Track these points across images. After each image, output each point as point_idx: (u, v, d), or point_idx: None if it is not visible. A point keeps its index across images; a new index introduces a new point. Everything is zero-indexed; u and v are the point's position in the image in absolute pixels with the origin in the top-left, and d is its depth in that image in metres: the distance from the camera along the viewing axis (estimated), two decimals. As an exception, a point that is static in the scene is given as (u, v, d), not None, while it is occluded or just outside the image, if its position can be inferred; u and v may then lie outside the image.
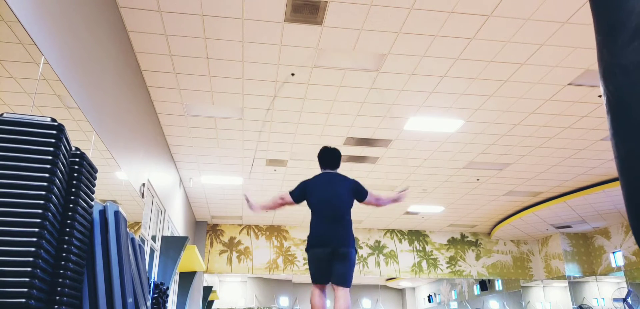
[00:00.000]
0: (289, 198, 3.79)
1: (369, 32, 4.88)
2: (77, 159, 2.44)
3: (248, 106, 6.40)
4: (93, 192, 2.62)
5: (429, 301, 18.24)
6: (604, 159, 8.32)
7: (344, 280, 3.47)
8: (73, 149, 2.47)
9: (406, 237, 13.58)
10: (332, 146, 3.79)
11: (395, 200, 3.94)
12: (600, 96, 6.21)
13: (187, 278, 8.69)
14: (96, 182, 2.70)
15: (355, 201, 3.80)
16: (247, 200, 3.98)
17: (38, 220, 2.05)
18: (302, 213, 11.86)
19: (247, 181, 9.47)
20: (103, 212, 2.71)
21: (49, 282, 2.18)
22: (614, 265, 11.98)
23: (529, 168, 8.77)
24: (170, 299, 8.48)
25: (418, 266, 13.34)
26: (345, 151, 8.00)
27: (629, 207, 0.76)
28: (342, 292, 3.44)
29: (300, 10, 4.54)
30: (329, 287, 3.66)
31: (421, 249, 13.52)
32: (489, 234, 13.93)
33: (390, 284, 18.82)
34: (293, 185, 9.76)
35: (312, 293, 3.58)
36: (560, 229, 12.57)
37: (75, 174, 2.41)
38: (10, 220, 2.02)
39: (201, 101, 6.27)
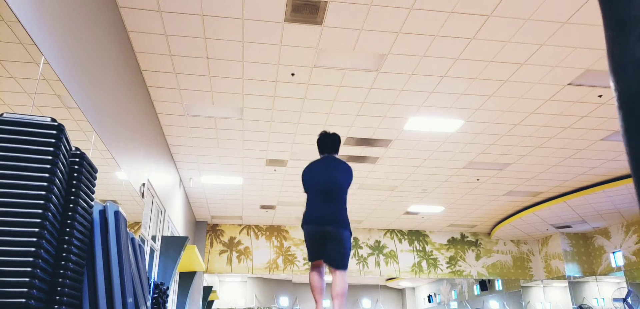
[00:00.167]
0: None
1: (369, 32, 4.88)
2: (77, 159, 2.44)
3: (248, 106, 6.40)
4: (93, 192, 2.62)
5: (429, 301, 18.24)
6: (604, 159, 8.32)
7: (338, 263, 3.47)
8: (73, 149, 2.47)
9: (406, 237, 13.58)
10: (332, 132, 3.84)
11: None
12: (600, 96, 6.20)
13: (187, 278, 8.69)
14: (96, 182, 2.70)
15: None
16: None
17: (38, 220, 2.05)
18: (302, 213, 11.85)
19: (247, 181, 9.47)
20: (103, 212, 2.71)
21: (49, 282, 2.18)
22: (614, 265, 11.98)
23: (529, 168, 8.77)
24: (170, 299, 8.48)
25: (418, 266, 13.34)
26: (345, 151, 8.00)
27: None
28: (339, 275, 3.46)
29: (300, 10, 4.54)
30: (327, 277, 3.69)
31: (421, 249, 13.52)
32: (489, 234, 13.93)
33: (390, 284, 18.82)
34: (293, 185, 9.76)
35: (310, 271, 3.66)
36: (560, 229, 12.57)
37: (75, 174, 2.41)
38: (10, 220, 2.02)
39: (201, 101, 6.27)
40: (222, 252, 12.57)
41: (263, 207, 11.32)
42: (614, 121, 6.87)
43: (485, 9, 4.56)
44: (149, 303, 3.62)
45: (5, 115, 2.18)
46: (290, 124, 6.98)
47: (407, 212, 11.89)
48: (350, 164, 8.59)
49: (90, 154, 3.74)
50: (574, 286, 12.67)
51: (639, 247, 11.29)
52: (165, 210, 7.65)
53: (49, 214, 2.10)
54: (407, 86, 5.93)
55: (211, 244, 12.59)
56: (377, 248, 13.34)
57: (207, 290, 11.96)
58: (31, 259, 1.99)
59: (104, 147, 4.21)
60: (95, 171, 2.67)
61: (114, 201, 4.46)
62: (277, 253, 12.79)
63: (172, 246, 6.96)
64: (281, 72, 5.61)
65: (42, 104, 2.92)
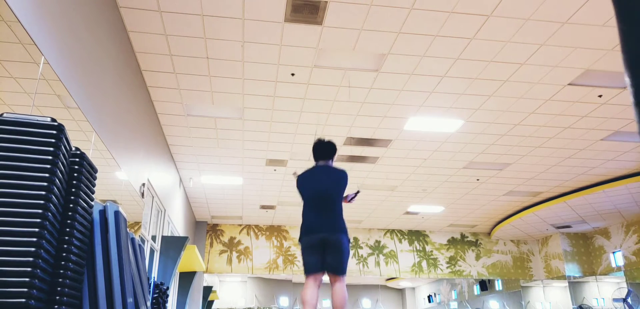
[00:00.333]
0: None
1: (369, 32, 4.88)
2: (77, 159, 2.44)
3: (248, 106, 6.40)
4: (93, 192, 2.62)
5: (429, 301, 18.24)
6: (604, 159, 8.32)
7: (338, 268, 3.43)
8: (73, 149, 2.47)
9: (406, 237, 13.58)
10: (327, 139, 3.82)
11: (347, 201, 4.02)
12: (600, 96, 6.20)
13: (187, 278, 8.69)
14: (96, 182, 2.70)
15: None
16: None
17: (38, 220, 2.05)
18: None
19: (247, 181, 9.47)
20: (103, 212, 2.71)
21: (49, 282, 2.18)
22: (613, 265, 11.98)
23: (529, 168, 8.77)
24: (170, 299, 8.48)
25: (418, 266, 13.34)
26: (345, 151, 8.00)
27: None
28: (339, 283, 3.42)
29: (300, 10, 4.54)
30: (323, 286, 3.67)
31: (421, 249, 13.52)
32: (489, 234, 13.93)
33: (390, 284, 18.82)
34: (293, 185, 9.76)
35: (305, 286, 3.49)
36: (560, 229, 12.57)
37: (75, 174, 2.41)
38: (10, 220, 2.02)
39: (201, 101, 6.27)
40: (222, 252, 12.57)
41: (263, 207, 11.32)
42: (614, 121, 6.87)
43: (485, 9, 4.56)
44: (149, 303, 3.62)
45: (5, 115, 2.18)
46: (290, 124, 6.98)
47: (407, 212, 11.89)
48: (350, 164, 8.59)
49: (90, 154, 3.74)
50: (574, 286, 12.67)
51: (639, 247, 11.29)
52: (165, 210, 7.65)
53: (49, 214, 2.10)
54: (407, 86, 5.93)
55: (211, 244, 12.59)
56: (377, 248, 13.34)
57: (207, 290, 11.96)
58: (31, 259, 1.99)
59: (104, 147, 4.21)
60: (95, 171, 2.67)
61: (114, 201, 4.45)
62: (277, 253, 12.79)
63: (172, 246, 6.96)
64: (281, 72, 5.61)
65: (42, 104, 2.92)
